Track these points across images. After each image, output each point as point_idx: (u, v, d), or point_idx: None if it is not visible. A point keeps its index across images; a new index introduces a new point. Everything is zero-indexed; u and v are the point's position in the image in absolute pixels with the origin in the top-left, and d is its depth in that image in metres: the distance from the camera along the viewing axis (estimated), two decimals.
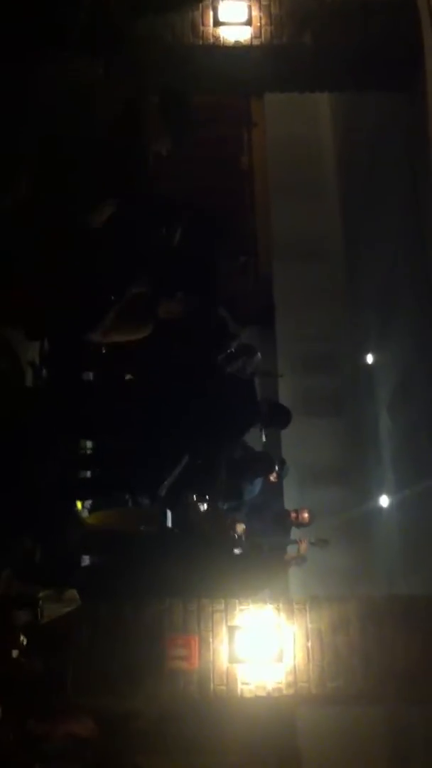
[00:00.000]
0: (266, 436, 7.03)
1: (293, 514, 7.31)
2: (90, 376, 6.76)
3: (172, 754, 5.45)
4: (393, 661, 5.11)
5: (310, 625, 5.17)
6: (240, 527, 6.53)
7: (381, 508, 8.76)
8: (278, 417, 6.64)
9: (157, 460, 5.83)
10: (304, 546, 6.89)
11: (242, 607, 5.17)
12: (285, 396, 8.86)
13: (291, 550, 7.08)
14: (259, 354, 6.68)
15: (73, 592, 4.81)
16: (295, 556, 6.86)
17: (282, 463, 7.18)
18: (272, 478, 7.07)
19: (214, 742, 5.54)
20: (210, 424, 5.98)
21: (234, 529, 6.46)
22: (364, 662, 5.10)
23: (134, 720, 5.24)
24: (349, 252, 10.49)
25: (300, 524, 7.31)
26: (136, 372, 6.55)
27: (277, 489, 7.74)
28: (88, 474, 6.43)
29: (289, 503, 7.98)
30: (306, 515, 7.28)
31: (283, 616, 5.17)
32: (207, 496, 6.17)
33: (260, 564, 6.18)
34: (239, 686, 4.94)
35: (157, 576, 5.37)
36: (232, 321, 6.35)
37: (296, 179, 10.35)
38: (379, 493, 8.82)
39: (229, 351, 6.34)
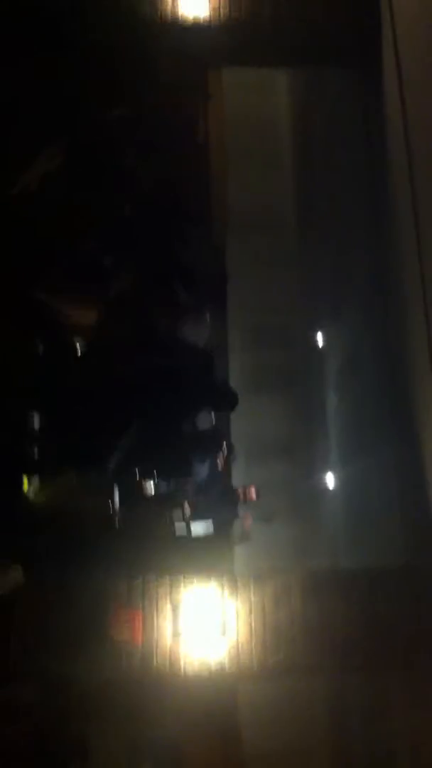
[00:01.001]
0: (215, 416, 7.02)
1: (240, 491, 7.33)
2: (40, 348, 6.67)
3: (114, 721, 5.50)
4: (333, 632, 5.21)
5: (253, 600, 5.24)
6: (187, 507, 6.55)
7: (326, 484, 8.85)
8: (225, 400, 6.65)
9: (105, 433, 5.81)
10: (248, 522, 6.93)
11: (186, 583, 5.21)
12: (235, 370, 8.87)
13: (236, 527, 7.12)
14: (208, 315, 6.67)
15: (17, 568, 4.81)
16: (239, 533, 6.89)
17: (230, 448, 7.17)
18: (219, 465, 7.04)
19: (155, 713, 5.61)
20: (160, 397, 5.97)
21: (183, 508, 6.47)
22: (304, 635, 5.20)
23: (76, 684, 5.26)
24: (304, 226, 10.48)
25: (247, 501, 7.33)
26: (86, 343, 6.51)
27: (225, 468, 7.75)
28: (35, 448, 6.37)
29: (236, 478, 8.02)
30: (252, 493, 7.31)
31: (226, 591, 5.23)
32: (154, 472, 6.16)
33: (205, 542, 6.22)
34: (182, 663, 5.00)
35: (104, 553, 5.37)
36: (184, 293, 6.33)
37: (253, 151, 10.28)
38: (326, 469, 8.90)
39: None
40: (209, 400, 6.32)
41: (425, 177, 5.98)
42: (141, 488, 6.14)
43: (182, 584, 5.20)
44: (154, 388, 5.96)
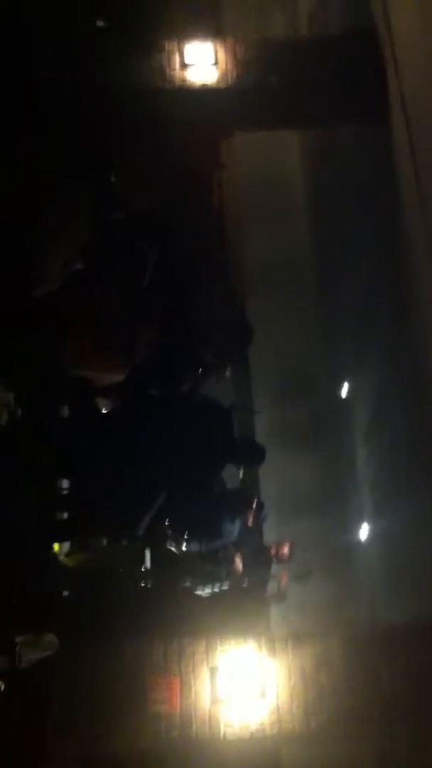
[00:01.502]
0: (243, 474, 7.00)
1: (273, 550, 7.23)
2: (66, 412, 6.73)
3: None
4: (378, 694, 5.09)
5: (292, 662, 5.14)
6: (238, 563, 6.48)
7: (361, 538, 8.74)
8: (252, 454, 6.63)
9: (134, 498, 5.81)
10: (284, 581, 6.82)
11: (223, 647, 5.14)
12: (261, 427, 8.86)
13: (271, 586, 7.02)
14: (228, 371, 6.71)
15: (51, 637, 4.77)
16: (275, 593, 6.79)
17: (260, 506, 7.12)
18: (250, 522, 6.99)
19: None
20: (186, 460, 5.97)
21: (232, 561, 6.39)
22: (348, 697, 5.08)
23: (117, 764, 5.17)
24: (324, 281, 10.55)
25: (280, 560, 7.24)
26: (111, 408, 6.56)
27: (257, 527, 7.68)
28: (65, 515, 6.38)
29: (268, 536, 7.95)
30: (286, 550, 7.21)
31: (264, 653, 5.14)
32: (185, 535, 6.13)
33: (241, 603, 6.14)
34: (222, 728, 4.89)
35: (137, 616, 5.32)
36: (210, 357, 6.38)
37: (268, 210, 10.42)
38: (359, 523, 8.80)
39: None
40: (236, 457, 6.31)
41: None
42: (172, 551, 6.11)
43: (219, 647, 5.11)
44: (180, 449, 5.96)
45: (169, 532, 6.03)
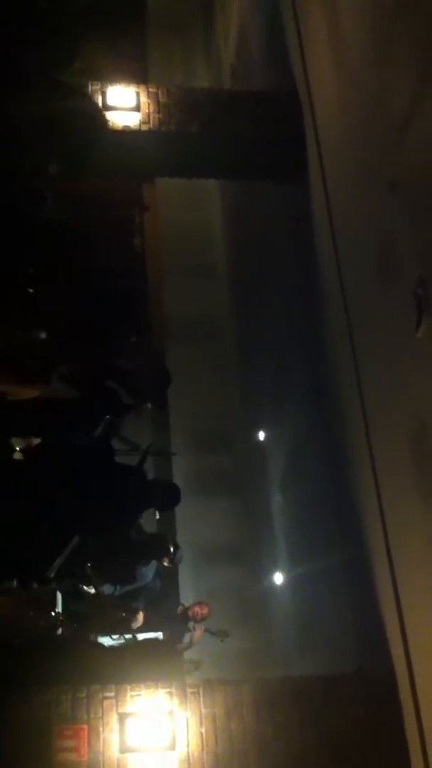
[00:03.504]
0: (160, 515, 6.94)
1: (194, 610, 7.11)
2: None
3: None
4: (288, 744, 5.04)
5: (204, 710, 5.06)
6: (140, 617, 6.37)
7: (275, 587, 8.72)
8: (168, 495, 6.59)
9: (46, 540, 5.68)
10: (198, 635, 6.73)
11: (134, 693, 5.02)
12: (179, 475, 8.82)
13: (186, 638, 6.92)
14: (149, 404, 6.69)
15: None
16: (188, 645, 6.68)
17: (176, 548, 7.06)
18: (166, 563, 6.92)
19: None
20: (101, 505, 5.89)
21: (134, 620, 6.29)
22: (258, 747, 5.01)
23: None
24: (241, 332, 10.68)
25: (198, 621, 7.12)
26: (25, 452, 6.43)
27: (173, 575, 7.59)
28: None
29: (183, 583, 7.87)
30: (206, 611, 7.11)
31: (176, 701, 5.05)
32: (97, 580, 6.01)
33: (155, 655, 6.03)
34: None
35: (46, 666, 5.17)
36: (126, 394, 6.34)
37: (188, 260, 10.55)
38: (274, 572, 8.79)
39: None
40: (151, 498, 6.25)
41: (355, 280, 6.17)
42: (84, 597, 5.98)
43: (129, 694, 5.00)
44: (96, 495, 5.88)
45: (90, 573, 5.89)
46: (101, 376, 6.01)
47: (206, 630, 6.96)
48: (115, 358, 6.62)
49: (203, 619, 7.21)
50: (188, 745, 4.91)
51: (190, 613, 7.17)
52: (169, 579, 7.63)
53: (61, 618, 5.70)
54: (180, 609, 7.29)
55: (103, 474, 5.96)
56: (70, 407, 5.77)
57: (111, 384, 6.09)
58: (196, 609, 7.20)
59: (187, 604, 7.43)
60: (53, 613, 5.69)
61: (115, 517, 6.07)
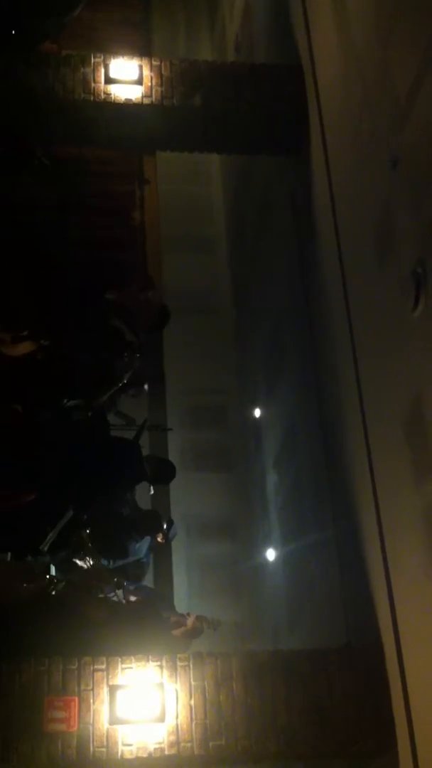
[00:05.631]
0: (154, 490, 6.97)
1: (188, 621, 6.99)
2: None
3: None
4: (275, 717, 5.09)
5: (193, 683, 5.11)
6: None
7: (267, 563, 8.77)
8: (163, 472, 6.62)
9: (39, 513, 5.71)
10: (191, 621, 6.71)
11: (124, 666, 5.07)
12: (174, 449, 8.85)
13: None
14: (146, 385, 6.70)
15: None
16: (182, 630, 6.64)
17: (170, 523, 7.06)
18: (159, 538, 6.93)
19: None
20: (95, 479, 5.91)
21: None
22: (246, 719, 5.06)
23: None
24: (238, 307, 10.67)
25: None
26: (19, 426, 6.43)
27: (166, 550, 7.59)
28: None
29: (177, 558, 7.91)
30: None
31: (166, 673, 5.09)
32: (92, 550, 6.04)
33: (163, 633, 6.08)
34: (120, 747, 4.82)
35: (39, 636, 5.20)
36: (128, 330, 6.33)
37: (188, 235, 10.51)
38: (266, 548, 8.84)
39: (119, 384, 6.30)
40: (147, 473, 6.28)
41: (353, 258, 6.17)
42: (77, 570, 6.00)
43: (120, 666, 5.04)
44: (90, 469, 5.90)
45: (86, 539, 5.91)
46: (105, 315, 6.01)
47: (199, 617, 6.94)
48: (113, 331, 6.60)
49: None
50: (177, 716, 4.97)
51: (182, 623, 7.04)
52: (162, 553, 7.66)
53: (54, 580, 5.71)
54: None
55: (99, 447, 5.98)
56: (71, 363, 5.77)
57: (115, 323, 6.08)
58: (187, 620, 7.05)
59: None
60: (47, 577, 5.71)
61: (109, 491, 6.11)
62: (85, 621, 5.50)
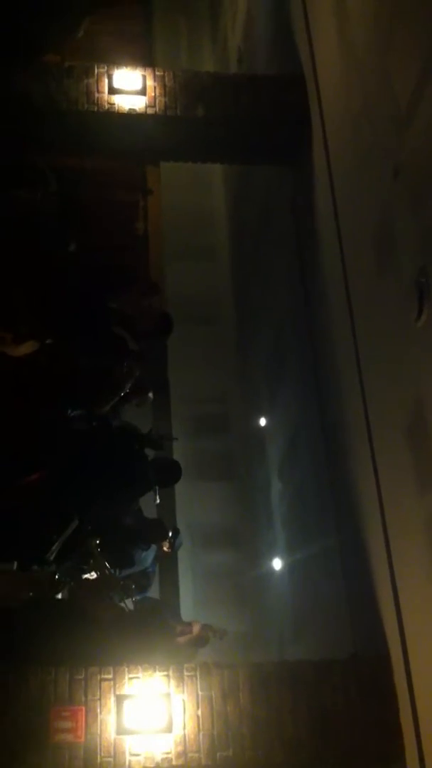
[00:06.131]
0: (160, 498, 6.94)
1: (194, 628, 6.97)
2: None
3: None
4: (281, 727, 5.08)
5: (200, 693, 5.10)
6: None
7: (272, 572, 8.75)
8: (168, 472, 6.61)
9: (45, 522, 5.69)
10: (196, 629, 6.69)
11: (131, 675, 5.06)
12: (177, 458, 8.81)
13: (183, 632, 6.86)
14: (151, 394, 6.69)
15: None
16: (188, 638, 6.62)
17: (176, 532, 7.05)
18: (165, 548, 6.91)
19: None
20: (100, 488, 5.90)
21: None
22: (253, 730, 5.05)
23: None
24: (240, 316, 10.69)
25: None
26: (24, 434, 6.41)
27: (171, 559, 7.57)
28: None
29: (181, 567, 7.88)
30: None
31: (173, 683, 5.09)
32: (100, 559, 6.02)
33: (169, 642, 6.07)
34: (127, 758, 4.80)
35: (45, 646, 5.18)
36: (130, 338, 6.31)
37: (190, 244, 10.53)
38: (271, 557, 8.82)
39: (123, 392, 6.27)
40: (152, 477, 6.26)
41: (355, 265, 6.17)
42: (84, 579, 5.99)
43: (126, 676, 5.03)
44: (96, 477, 5.89)
45: (81, 559, 5.90)
46: (108, 321, 6.00)
47: (205, 626, 6.91)
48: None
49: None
50: (184, 727, 4.95)
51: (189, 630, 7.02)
52: (168, 562, 7.65)
53: (62, 581, 5.70)
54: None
55: (104, 456, 5.96)
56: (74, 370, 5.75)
57: (117, 330, 6.07)
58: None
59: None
60: (55, 577, 5.69)
61: (113, 499, 6.09)
62: (92, 621, 5.47)
